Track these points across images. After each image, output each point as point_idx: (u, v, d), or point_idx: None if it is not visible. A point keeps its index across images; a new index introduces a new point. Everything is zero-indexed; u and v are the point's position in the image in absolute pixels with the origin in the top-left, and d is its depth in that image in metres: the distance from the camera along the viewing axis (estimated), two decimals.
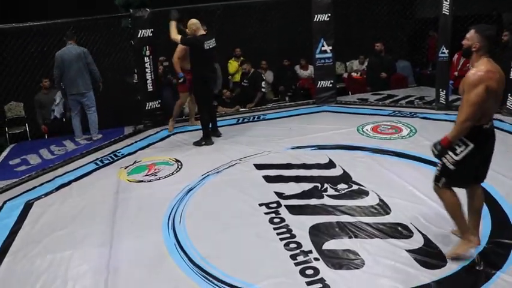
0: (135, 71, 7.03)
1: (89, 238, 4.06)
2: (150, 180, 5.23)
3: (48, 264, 3.69)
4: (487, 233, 3.66)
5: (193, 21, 5.97)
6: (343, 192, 4.57)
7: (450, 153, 3.23)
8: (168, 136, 6.76)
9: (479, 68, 3.11)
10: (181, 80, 6.37)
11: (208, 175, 5.20)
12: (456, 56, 8.06)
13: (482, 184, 3.48)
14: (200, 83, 6.09)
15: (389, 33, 9.33)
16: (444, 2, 6.73)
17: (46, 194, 5.04)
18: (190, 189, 4.86)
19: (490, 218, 3.87)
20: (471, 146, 3.18)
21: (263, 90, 8.27)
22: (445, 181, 3.32)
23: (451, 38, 6.81)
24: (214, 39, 6.02)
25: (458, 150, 3.20)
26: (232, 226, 4.08)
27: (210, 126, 6.37)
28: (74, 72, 6.30)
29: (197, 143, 6.22)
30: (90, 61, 6.46)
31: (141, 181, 5.23)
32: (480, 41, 3.13)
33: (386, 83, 8.65)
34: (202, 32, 5.97)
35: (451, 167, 3.24)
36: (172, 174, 5.35)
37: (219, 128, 6.61)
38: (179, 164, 5.61)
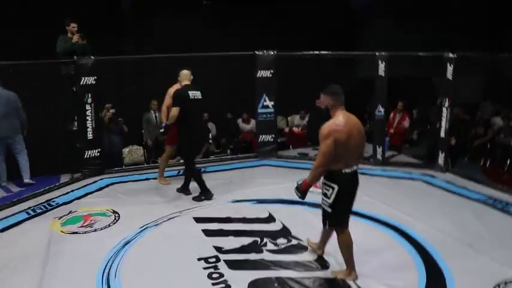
0: (75, 118, 6.87)
1: None
2: (85, 232, 5.03)
3: None
4: (423, 287, 3.81)
5: (181, 73, 5.92)
6: (282, 247, 4.59)
7: (325, 198, 3.74)
8: (107, 186, 6.57)
9: (332, 122, 3.62)
10: (163, 130, 5.95)
11: (146, 227, 5.07)
12: (392, 114, 8.50)
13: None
14: (186, 135, 5.81)
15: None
16: (380, 64, 7.15)
17: None
18: (127, 242, 4.72)
19: (425, 272, 4.03)
20: (336, 187, 3.65)
21: (210, 141, 8.25)
22: (329, 223, 3.84)
23: (386, 97, 7.29)
24: (199, 91, 5.87)
25: (329, 194, 3.70)
26: (170, 281, 3.98)
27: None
28: (2, 114, 6.10)
29: (197, 198, 5.91)
30: (19, 106, 6.31)
31: (76, 232, 5.02)
32: (330, 99, 3.66)
33: None
34: (187, 82, 5.90)
35: (329, 209, 3.74)
36: (109, 225, 5.18)
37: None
38: (117, 215, 5.45)
